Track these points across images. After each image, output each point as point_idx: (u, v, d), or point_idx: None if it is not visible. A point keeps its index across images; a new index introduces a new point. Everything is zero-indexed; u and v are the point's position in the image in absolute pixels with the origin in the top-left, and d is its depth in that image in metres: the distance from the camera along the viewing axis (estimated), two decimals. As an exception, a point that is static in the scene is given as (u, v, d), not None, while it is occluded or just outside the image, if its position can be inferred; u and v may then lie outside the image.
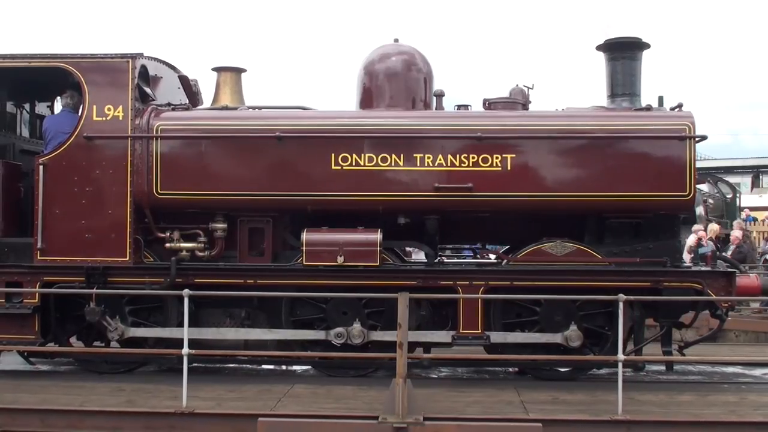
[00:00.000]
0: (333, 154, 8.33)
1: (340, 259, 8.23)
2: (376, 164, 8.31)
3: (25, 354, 9.08)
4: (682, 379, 9.05)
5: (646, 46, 9.04)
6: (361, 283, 8.28)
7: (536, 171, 8.25)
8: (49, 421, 7.09)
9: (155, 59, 9.36)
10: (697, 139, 8.31)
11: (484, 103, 8.81)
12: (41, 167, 8.42)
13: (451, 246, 10.06)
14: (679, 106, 8.56)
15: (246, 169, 8.46)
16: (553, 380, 8.52)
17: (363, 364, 8.64)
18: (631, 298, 7.18)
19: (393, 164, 8.30)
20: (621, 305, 6.90)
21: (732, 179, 27.55)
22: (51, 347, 8.76)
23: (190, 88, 9.56)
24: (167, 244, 8.65)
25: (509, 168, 8.24)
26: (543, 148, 8.27)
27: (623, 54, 8.97)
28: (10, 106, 9.51)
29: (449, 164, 8.27)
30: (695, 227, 11.34)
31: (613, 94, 8.97)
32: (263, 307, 8.78)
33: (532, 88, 8.98)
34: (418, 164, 8.29)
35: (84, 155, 8.43)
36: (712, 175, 25.52)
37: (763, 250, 15.06)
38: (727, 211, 22.26)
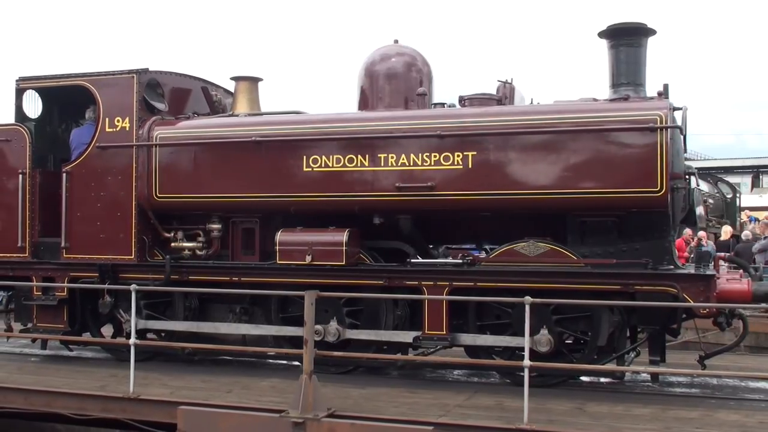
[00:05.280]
0: (305, 157, 8.59)
1: (308, 258, 8.47)
2: (343, 165, 8.45)
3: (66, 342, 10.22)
4: (670, 391, 8.32)
5: (652, 32, 8.39)
6: (332, 282, 8.47)
7: (498, 168, 7.96)
8: (30, 399, 8.05)
9: (180, 74, 10.17)
10: (681, 130, 7.63)
11: (459, 100, 8.62)
12: (65, 175, 9.48)
13: (454, 246, 9.84)
14: (660, 94, 7.87)
15: (231, 173, 8.92)
16: (535, 387, 8.14)
17: (342, 361, 8.79)
18: (538, 300, 6.76)
19: (359, 165, 8.40)
20: (527, 308, 6.55)
21: (732, 179, 26.14)
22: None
23: (210, 97, 10.21)
24: (172, 244, 9.36)
25: (470, 166, 8.04)
26: (504, 145, 7.96)
27: (627, 41, 8.39)
28: (58, 121, 10.66)
29: (411, 163, 8.21)
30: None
31: (615, 84, 8.41)
32: (259, 304, 9.21)
33: (510, 82, 8.65)
34: (382, 164, 8.31)
35: (99, 163, 9.37)
36: (712, 175, 23.74)
37: (759, 247, 13.21)
38: (727, 211, 20.97)
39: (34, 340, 10.33)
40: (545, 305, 7.88)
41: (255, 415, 6.90)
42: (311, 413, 6.74)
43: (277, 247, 8.61)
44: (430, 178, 8.14)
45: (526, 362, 6.54)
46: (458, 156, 8.07)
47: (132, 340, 7.71)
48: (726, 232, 14.35)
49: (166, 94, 9.79)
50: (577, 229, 8.16)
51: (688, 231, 12.50)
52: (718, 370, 8.25)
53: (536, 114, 8.03)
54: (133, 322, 7.84)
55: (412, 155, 8.21)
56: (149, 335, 9.85)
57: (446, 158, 8.11)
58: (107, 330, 10.30)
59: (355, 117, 8.71)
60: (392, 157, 8.28)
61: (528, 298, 6.55)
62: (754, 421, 6.65)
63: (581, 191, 7.70)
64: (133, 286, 7.80)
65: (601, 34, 8.50)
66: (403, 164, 8.24)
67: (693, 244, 12.15)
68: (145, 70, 9.37)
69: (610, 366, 7.92)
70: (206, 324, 9.25)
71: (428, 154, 8.17)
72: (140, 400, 7.55)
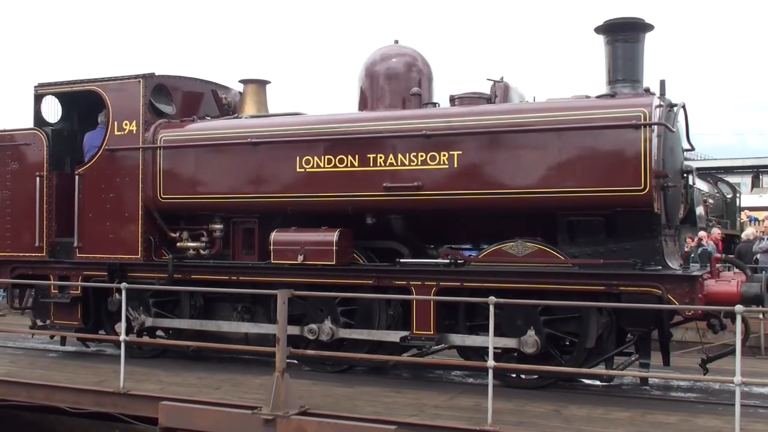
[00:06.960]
0: (297, 158, 8.70)
1: (300, 258, 8.57)
2: (334, 166, 8.53)
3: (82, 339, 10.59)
4: (665, 395, 8.09)
5: (649, 27, 8.23)
6: (324, 281, 8.56)
7: (482, 168, 7.91)
8: (31, 393, 8.38)
9: (189, 78, 10.44)
10: (669, 127, 7.43)
11: (450, 99, 8.58)
12: (77, 177, 9.83)
13: (455, 246, 9.77)
14: (647, 91, 7.68)
15: (230, 174, 9.11)
16: (525, 388, 8.09)
17: (338, 360, 8.86)
18: (502, 301, 6.67)
19: (349, 165, 8.46)
20: (492, 308, 6.49)
21: (732, 179, 25.59)
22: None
23: (219, 100, 10.43)
24: (177, 244, 9.61)
25: (456, 165, 8.00)
26: (489, 144, 7.90)
27: (623, 36, 8.22)
28: (78, 125, 10.99)
29: (399, 163, 8.23)
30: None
31: (611, 81, 8.25)
32: (260, 303, 9.36)
33: (500, 81, 8.56)
34: (371, 164, 8.35)
35: (108, 166, 9.68)
36: (712, 175, 23.09)
37: (763, 247, 12.47)
38: (727, 211, 20.66)
39: (52, 337, 10.72)
40: (533, 306, 7.82)
41: (229, 412, 7.04)
42: (282, 410, 6.83)
43: (272, 247, 8.75)
44: (416, 178, 8.14)
45: (491, 363, 6.49)
46: (444, 156, 8.05)
47: (122, 337, 7.95)
48: (748, 233, 13.83)
49: (175, 97, 10.06)
50: (565, 228, 8.03)
51: (717, 231, 12.11)
52: (722, 375, 7.98)
53: (521, 113, 7.95)
54: (124, 320, 8.10)
55: (399, 155, 8.24)
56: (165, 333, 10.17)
57: (432, 158, 8.10)
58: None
59: (345, 118, 8.76)
60: (381, 158, 8.31)
61: (492, 298, 6.50)
62: (732, 428, 6.41)
63: (566, 190, 7.59)
64: (123, 285, 8.04)
65: (598, 30, 8.36)
66: (391, 164, 8.27)
67: (693, 244, 11.72)
68: (152, 75, 9.64)
69: (581, 369, 7.69)
70: (209, 322, 9.46)
71: (415, 154, 8.17)
72: (129, 395, 7.77)
